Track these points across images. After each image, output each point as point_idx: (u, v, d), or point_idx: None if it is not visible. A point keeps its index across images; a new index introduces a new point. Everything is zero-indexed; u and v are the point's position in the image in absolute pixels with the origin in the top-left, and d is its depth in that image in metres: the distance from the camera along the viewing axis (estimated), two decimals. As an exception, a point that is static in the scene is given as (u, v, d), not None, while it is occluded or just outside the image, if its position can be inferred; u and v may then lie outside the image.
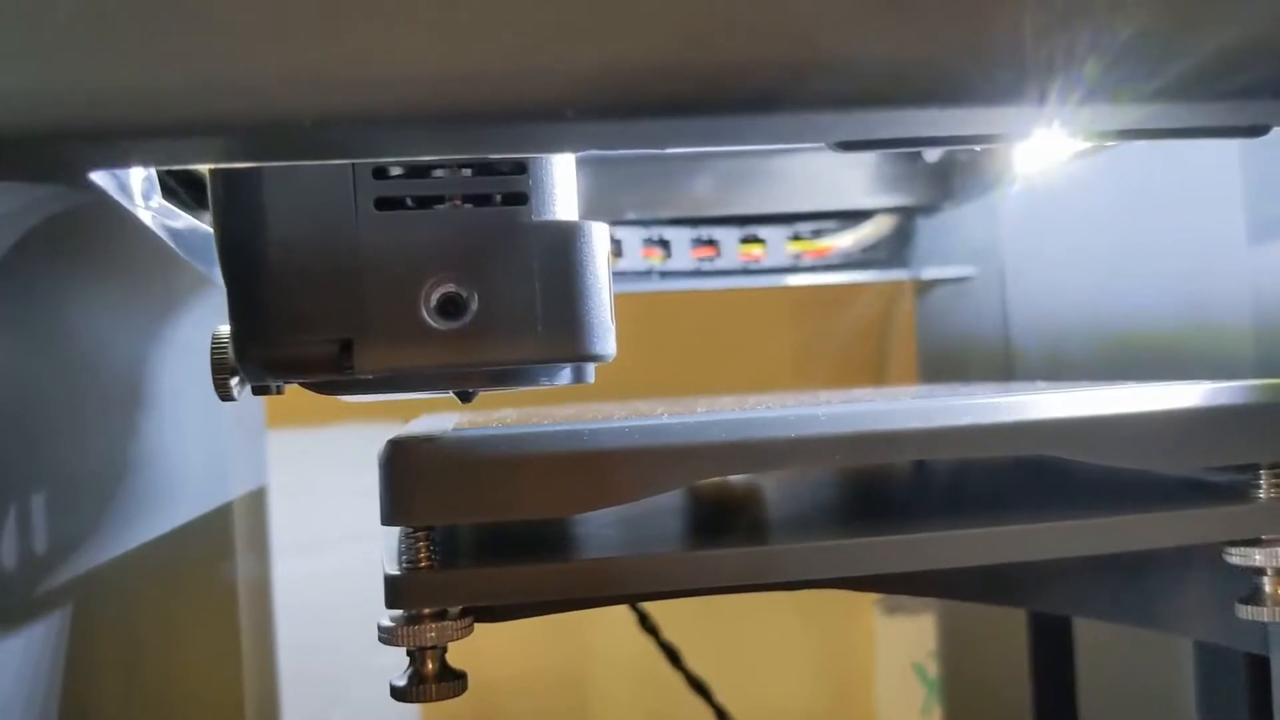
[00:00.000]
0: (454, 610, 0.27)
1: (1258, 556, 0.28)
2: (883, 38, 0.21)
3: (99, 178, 0.27)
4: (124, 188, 0.31)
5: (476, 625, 0.27)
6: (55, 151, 0.22)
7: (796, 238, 0.63)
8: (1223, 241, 0.39)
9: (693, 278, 0.62)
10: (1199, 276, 0.40)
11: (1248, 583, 0.29)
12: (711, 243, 0.62)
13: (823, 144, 0.25)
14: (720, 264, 0.62)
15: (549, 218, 0.28)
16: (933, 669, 0.79)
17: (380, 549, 0.28)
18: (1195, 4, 0.22)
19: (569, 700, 0.82)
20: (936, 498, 0.36)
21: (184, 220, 0.37)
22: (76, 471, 0.31)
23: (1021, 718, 0.57)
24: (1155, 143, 0.41)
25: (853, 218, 0.64)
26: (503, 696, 0.80)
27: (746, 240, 0.62)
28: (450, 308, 0.27)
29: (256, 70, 0.20)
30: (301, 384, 0.29)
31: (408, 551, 0.26)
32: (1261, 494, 0.29)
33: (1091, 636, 0.51)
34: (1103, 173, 0.47)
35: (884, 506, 0.35)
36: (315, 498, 0.73)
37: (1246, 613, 0.29)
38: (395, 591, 0.26)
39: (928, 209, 0.65)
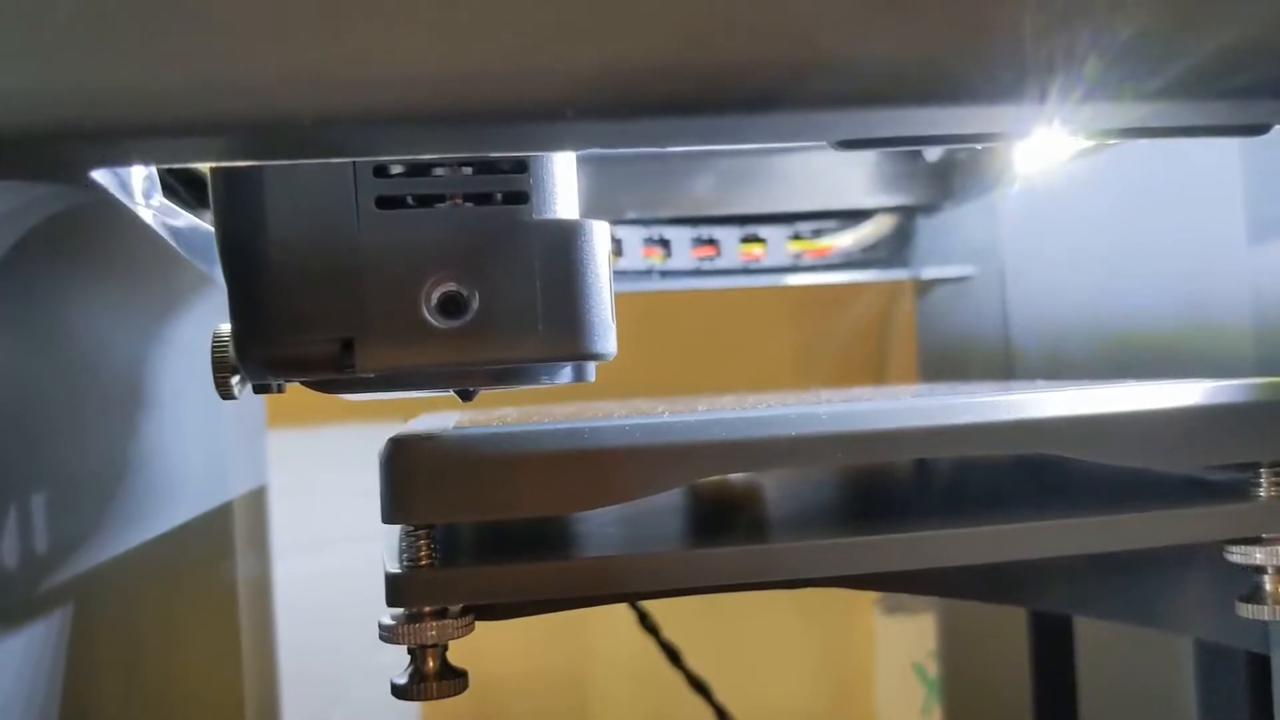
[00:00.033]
0: (454, 608, 0.27)
1: (1258, 555, 0.28)
2: (883, 37, 0.21)
3: (100, 176, 0.27)
4: (125, 186, 0.31)
5: (477, 623, 0.27)
6: (55, 151, 0.22)
7: (797, 237, 0.63)
8: (1223, 241, 0.39)
9: (693, 277, 0.62)
10: (1199, 276, 0.40)
11: (1248, 581, 0.29)
12: (712, 242, 0.62)
13: (823, 143, 0.25)
14: (720, 263, 0.62)
15: (550, 216, 0.28)
16: (933, 669, 0.79)
17: (381, 547, 0.28)
18: (1195, 4, 0.22)
19: (569, 699, 0.82)
20: (937, 496, 0.36)
21: (185, 219, 0.37)
22: (76, 471, 0.31)
23: (1021, 718, 0.57)
24: (1155, 142, 0.41)
25: (853, 217, 0.64)
26: (503, 695, 0.80)
27: (747, 240, 0.62)
28: (451, 306, 0.27)
29: (257, 69, 0.20)
30: (302, 382, 0.29)
31: (408, 549, 0.26)
32: (1262, 492, 0.29)
33: (1091, 636, 0.51)
34: (1103, 172, 0.47)
35: (884, 505, 0.35)
36: (315, 497, 0.73)
37: (1247, 611, 0.29)
38: (396, 589, 0.26)
39: (928, 208, 0.65)
